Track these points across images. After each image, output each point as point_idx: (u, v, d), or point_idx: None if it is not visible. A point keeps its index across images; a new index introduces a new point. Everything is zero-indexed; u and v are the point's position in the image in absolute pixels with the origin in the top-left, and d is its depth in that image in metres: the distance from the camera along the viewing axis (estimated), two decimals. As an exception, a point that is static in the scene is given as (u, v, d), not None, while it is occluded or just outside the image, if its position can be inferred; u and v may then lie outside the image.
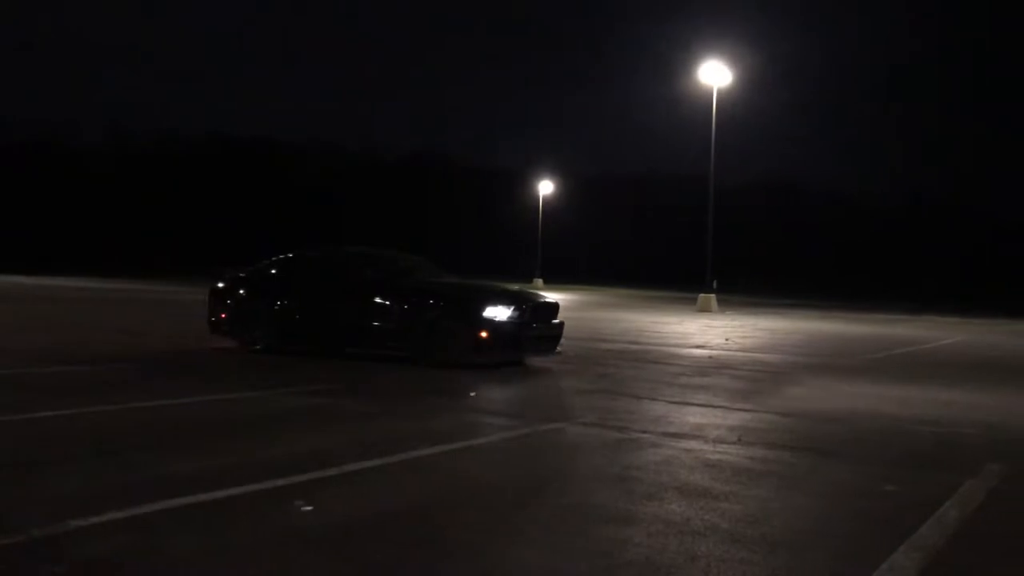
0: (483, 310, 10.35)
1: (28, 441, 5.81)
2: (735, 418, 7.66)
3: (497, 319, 10.35)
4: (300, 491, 4.62)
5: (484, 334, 10.27)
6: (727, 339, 17.24)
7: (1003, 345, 19.80)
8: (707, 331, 19.69)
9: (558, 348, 11.43)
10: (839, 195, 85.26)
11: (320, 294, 11.44)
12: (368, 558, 3.68)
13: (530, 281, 56.39)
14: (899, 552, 3.95)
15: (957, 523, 4.52)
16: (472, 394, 8.64)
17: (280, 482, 4.78)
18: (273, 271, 12.17)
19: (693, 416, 7.70)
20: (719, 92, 31.10)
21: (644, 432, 6.79)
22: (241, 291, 12.04)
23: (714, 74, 30.94)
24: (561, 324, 11.60)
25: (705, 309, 29.87)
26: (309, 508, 4.32)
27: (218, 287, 12.22)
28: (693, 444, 6.39)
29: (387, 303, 10.87)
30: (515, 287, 11.83)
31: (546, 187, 64.16)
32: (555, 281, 58.68)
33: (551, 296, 11.90)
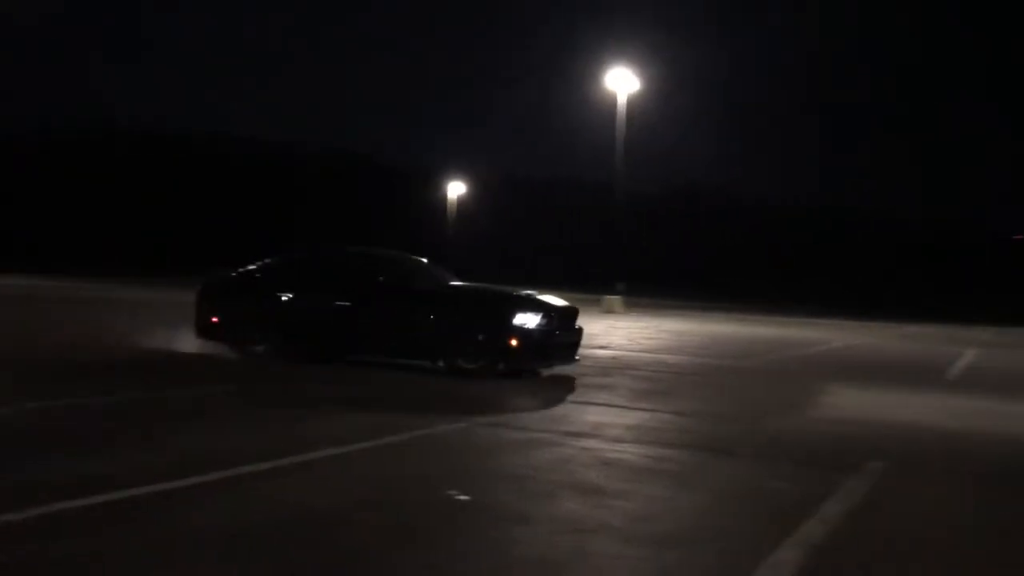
0: (513, 317, 9.90)
1: None
2: (634, 417, 7.77)
3: (527, 326, 9.90)
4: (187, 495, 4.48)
5: (514, 342, 9.83)
6: (631, 340, 17.52)
7: (889, 348, 20.65)
8: (612, 332, 19.95)
9: (576, 356, 10.90)
10: (744, 199, 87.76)
11: (332, 297, 10.62)
12: (256, 563, 3.59)
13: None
14: (783, 548, 4.06)
15: (838, 519, 4.67)
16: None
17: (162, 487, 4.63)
18: (274, 272, 11.42)
19: (593, 415, 7.78)
20: (627, 98, 31.60)
21: (544, 431, 6.83)
22: (239, 292, 11.22)
23: (621, 80, 31.42)
24: (580, 330, 11.02)
25: (611, 311, 30.29)
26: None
27: (210, 288, 11.42)
28: (591, 443, 6.45)
29: (409, 308, 10.39)
30: (533, 292, 11.18)
31: (456, 188, 64.12)
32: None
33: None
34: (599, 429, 7.05)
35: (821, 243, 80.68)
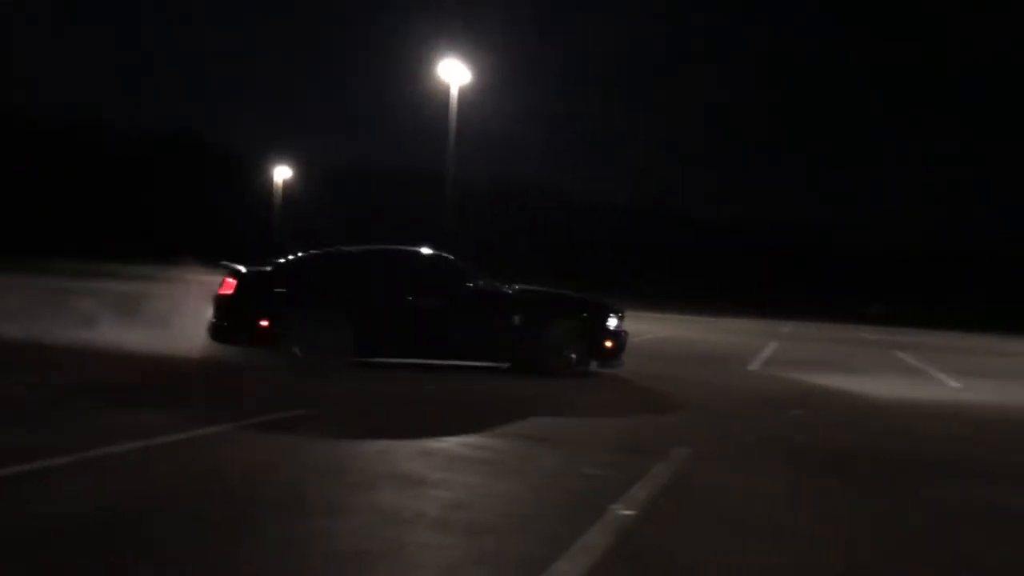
0: (608, 320, 10.89)
1: None
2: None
3: (615, 328, 10.94)
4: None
5: (609, 344, 10.81)
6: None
7: (701, 340, 21.81)
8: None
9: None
10: (573, 195, 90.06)
11: (421, 299, 10.33)
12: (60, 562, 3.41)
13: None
14: (591, 532, 4.24)
15: (644, 503, 4.91)
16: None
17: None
18: (333, 270, 10.67)
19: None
20: (459, 90, 31.73)
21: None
22: (299, 293, 10.08)
23: (453, 72, 31.52)
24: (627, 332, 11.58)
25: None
26: None
27: (257, 286, 10.05)
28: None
29: (496, 312, 10.57)
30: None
31: (283, 173, 62.25)
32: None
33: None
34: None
35: (652, 240, 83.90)
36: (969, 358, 21.46)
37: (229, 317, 9.91)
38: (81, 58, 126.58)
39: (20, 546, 3.64)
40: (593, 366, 10.84)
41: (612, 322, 10.94)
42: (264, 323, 9.74)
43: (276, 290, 10.09)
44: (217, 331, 9.93)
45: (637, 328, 23.86)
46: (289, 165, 63.54)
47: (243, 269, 10.16)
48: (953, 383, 13.61)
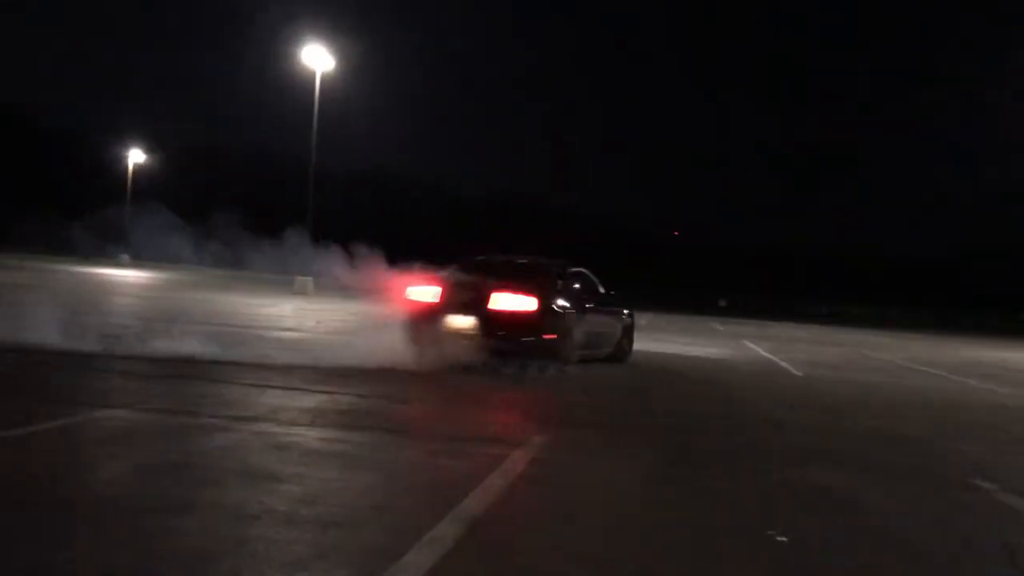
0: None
1: None
2: (313, 400, 7.69)
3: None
4: None
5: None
6: (319, 322, 17.33)
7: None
8: (300, 314, 19.63)
9: None
10: (436, 185, 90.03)
11: (623, 309, 13.61)
12: None
13: (115, 259, 51.99)
14: (444, 522, 4.22)
15: (499, 491, 4.94)
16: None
17: None
18: (561, 280, 11.82)
19: (270, 399, 7.60)
20: (323, 75, 31.10)
21: (214, 417, 6.56)
22: (569, 304, 11.19)
23: (317, 58, 30.88)
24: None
25: (302, 292, 29.78)
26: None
27: (547, 297, 10.72)
28: (265, 427, 6.30)
29: (617, 313, 13.42)
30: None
31: (137, 156, 59.52)
32: (146, 259, 54.77)
33: None
34: (275, 413, 6.90)
35: (509, 230, 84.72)
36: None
37: (534, 333, 10.47)
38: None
39: None
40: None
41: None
42: (552, 336, 10.63)
43: (556, 304, 10.98)
44: (522, 347, 10.40)
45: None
46: (145, 148, 60.84)
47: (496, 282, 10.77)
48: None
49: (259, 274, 48.29)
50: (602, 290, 13.06)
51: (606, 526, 4.49)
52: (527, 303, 10.42)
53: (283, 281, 35.72)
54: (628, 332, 13.82)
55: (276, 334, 14.00)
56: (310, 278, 30.71)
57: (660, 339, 20.75)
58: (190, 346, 10.26)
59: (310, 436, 6.12)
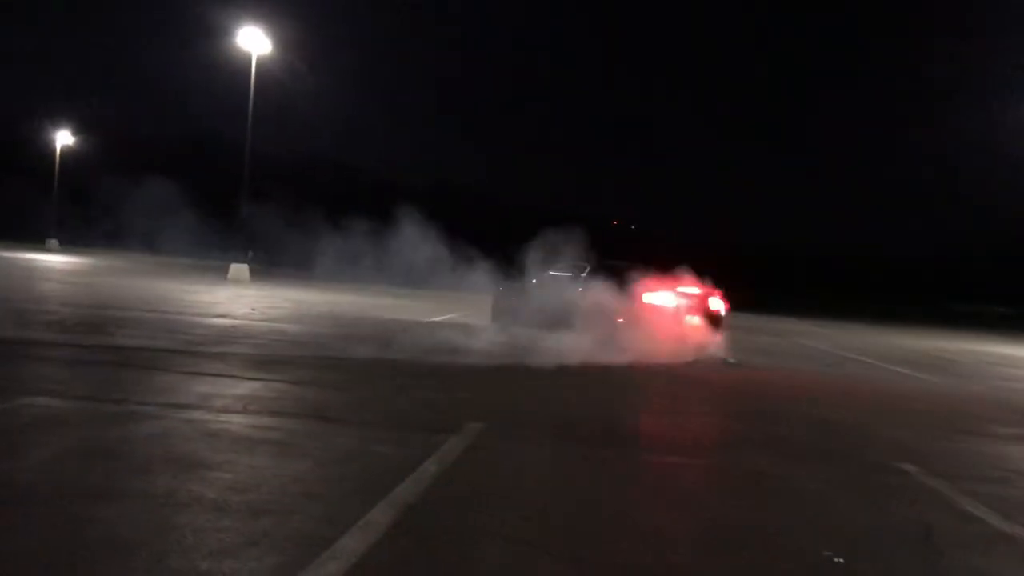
0: None
1: None
2: (246, 387, 7.58)
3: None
4: None
5: None
6: (253, 309, 17.07)
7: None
8: (235, 301, 19.31)
9: None
10: (377, 172, 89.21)
11: None
12: None
13: (43, 244, 50.55)
14: (376, 509, 4.19)
15: (433, 477, 4.93)
16: None
17: None
18: None
19: (201, 386, 7.46)
20: (259, 59, 30.55)
21: (144, 404, 6.42)
22: None
23: (253, 40, 30.32)
24: None
25: (237, 279, 29.31)
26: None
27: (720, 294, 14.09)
28: (196, 414, 6.19)
29: None
30: None
31: (64, 139, 57.71)
32: (72, 244, 53.37)
33: None
34: (206, 400, 6.78)
35: (445, 221, 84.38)
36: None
37: (720, 327, 14.11)
38: None
39: None
40: None
41: None
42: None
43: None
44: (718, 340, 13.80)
45: (434, 307, 24.02)
46: (73, 132, 58.98)
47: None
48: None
49: (192, 260, 47.45)
50: None
51: (538, 509, 4.51)
52: (722, 305, 14.06)
53: (218, 267, 35.12)
54: None
55: (209, 321, 13.74)
56: (246, 264, 30.23)
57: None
58: (120, 333, 10.03)
59: (242, 423, 6.03)
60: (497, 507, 4.50)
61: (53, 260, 37.48)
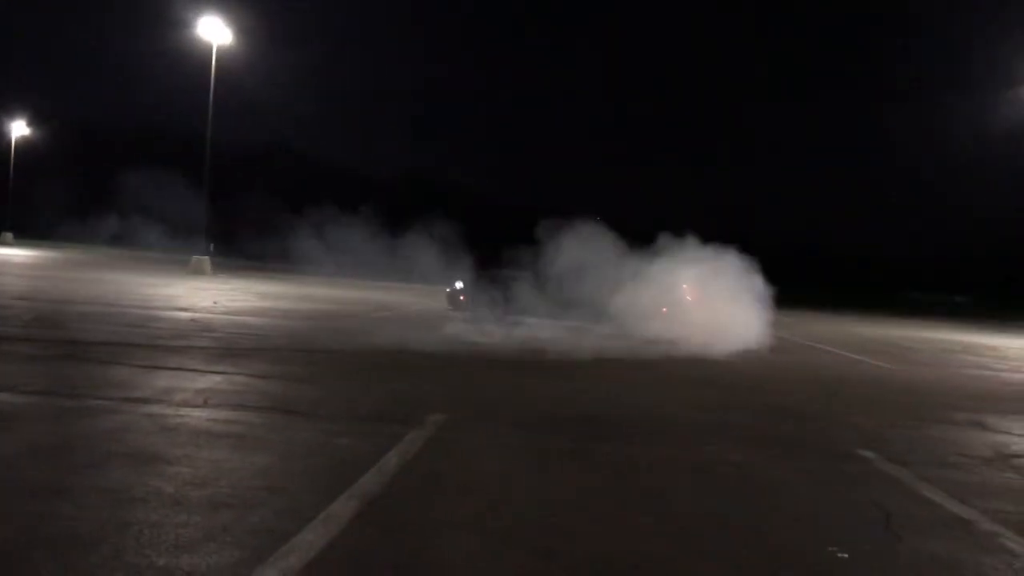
0: None
1: None
2: (206, 381, 7.48)
3: None
4: None
5: None
6: (215, 302, 16.87)
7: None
8: (196, 294, 19.06)
9: None
10: (340, 164, 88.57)
11: None
12: None
13: (-2, 236, 49.55)
14: (338, 501, 4.17)
15: (396, 469, 4.90)
16: None
17: None
18: None
19: (161, 380, 7.36)
20: (219, 49, 30.15)
21: (101, 399, 6.33)
22: None
23: (213, 30, 29.91)
24: None
25: (198, 272, 28.96)
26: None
27: None
28: (155, 409, 6.11)
29: None
30: None
31: (19, 129, 56.53)
32: (29, 237, 52.37)
33: None
34: (166, 394, 6.69)
35: (412, 211, 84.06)
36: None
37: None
38: None
39: None
40: None
41: None
42: None
43: None
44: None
45: (398, 300, 23.91)
46: (28, 123, 57.76)
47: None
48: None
49: (153, 253, 46.76)
50: None
51: (500, 499, 4.50)
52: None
53: (180, 260, 34.65)
54: None
55: (170, 315, 13.56)
56: (207, 257, 29.87)
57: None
58: (78, 328, 9.86)
59: (202, 417, 5.96)
60: (454, 499, 4.48)
61: (8, 253, 36.76)
